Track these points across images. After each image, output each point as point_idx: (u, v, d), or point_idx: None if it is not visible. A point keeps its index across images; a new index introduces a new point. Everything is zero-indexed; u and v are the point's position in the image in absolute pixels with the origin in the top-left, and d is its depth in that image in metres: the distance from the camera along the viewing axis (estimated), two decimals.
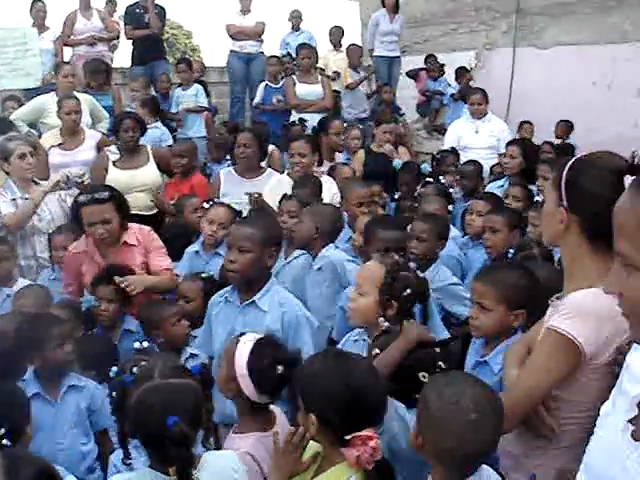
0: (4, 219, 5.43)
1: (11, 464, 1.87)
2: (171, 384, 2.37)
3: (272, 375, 2.79)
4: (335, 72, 10.62)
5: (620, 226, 1.59)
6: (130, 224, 4.68)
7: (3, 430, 2.48)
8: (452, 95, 11.46)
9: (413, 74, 12.13)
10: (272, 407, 2.96)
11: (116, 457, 2.90)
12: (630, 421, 1.68)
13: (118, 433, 2.55)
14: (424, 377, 2.71)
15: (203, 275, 4.75)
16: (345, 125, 7.89)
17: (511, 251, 3.74)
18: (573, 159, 2.44)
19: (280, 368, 2.78)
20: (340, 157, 7.41)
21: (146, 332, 4.21)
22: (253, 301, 3.64)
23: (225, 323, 3.70)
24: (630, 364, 1.78)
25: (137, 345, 2.84)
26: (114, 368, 2.53)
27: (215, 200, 5.49)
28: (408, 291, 3.30)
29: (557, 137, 10.02)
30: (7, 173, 5.79)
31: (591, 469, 1.83)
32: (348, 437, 2.31)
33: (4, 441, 2.45)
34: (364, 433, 2.31)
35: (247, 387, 2.84)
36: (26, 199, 5.53)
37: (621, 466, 1.66)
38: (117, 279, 4.30)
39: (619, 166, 2.16)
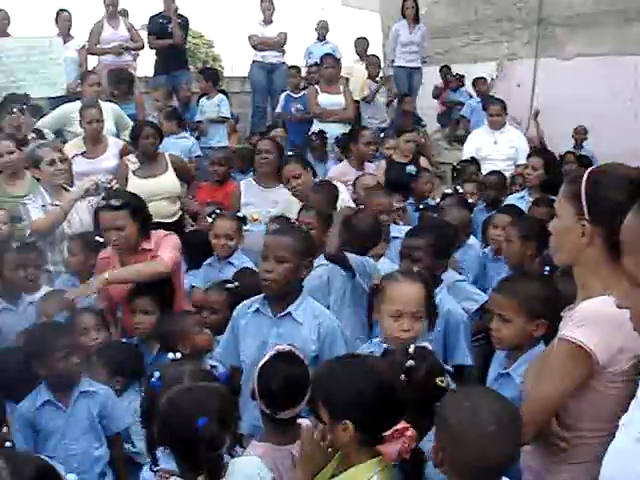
0: (34, 225, 5.49)
1: (12, 463, 1.87)
2: (200, 386, 2.41)
3: (276, 388, 2.83)
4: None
5: (626, 243, 1.60)
6: (153, 232, 4.70)
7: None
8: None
9: (437, 94, 12.17)
10: (301, 421, 2.97)
11: (146, 471, 2.92)
12: None
13: (146, 440, 2.57)
14: (442, 382, 2.71)
15: (229, 285, 4.74)
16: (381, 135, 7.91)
17: (547, 268, 3.70)
18: (587, 172, 2.42)
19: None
20: (370, 167, 7.40)
21: (167, 346, 4.11)
22: (289, 312, 3.61)
23: (256, 334, 3.65)
24: None
25: (171, 356, 2.87)
26: (156, 373, 2.53)
27: (217, 212, 5.50)
28: None
29: (575, 142, 10.04)
30: (37, 179, 5.88)
31: (603, 477, 1.84)
32: (388, 433, 2.30)
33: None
34: (400, 426, 2.31)
35: (257, 397, 2.92)
36: (56, 205, 5.58)
37: (634, 475, 1.67)
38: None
39: (637, 176, 2.16)
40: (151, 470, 2.57)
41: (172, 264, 4.55)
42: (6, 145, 6.24)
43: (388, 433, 2.31)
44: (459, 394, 2.32)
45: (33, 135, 7.61)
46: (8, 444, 2.58)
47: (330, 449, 2.43)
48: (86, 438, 3.62)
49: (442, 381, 2.71)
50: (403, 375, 2.68)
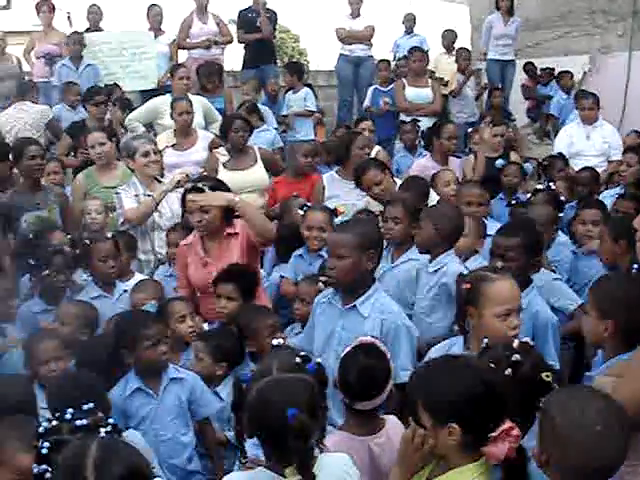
0: (127, 214, 5.61)
1: (103, 457, 1.87)
2: (289, 377, 2.40)
3: (353, 378, 2.81)
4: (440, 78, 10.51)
5: None
6: (237, 220, 4.74)
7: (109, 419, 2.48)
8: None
9: (527, 95, 11.93)
10: (386, 417, 2.95)
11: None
12: None
13: (235, 431, 2.58)
14: (547, 377, 2.64)
15: (322, 279, 4.73)
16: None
17: (635, 266, 3.61)
18: None
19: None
20: (456, 162, 7.29)
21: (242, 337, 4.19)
22: (354, 305, 3.65)
23: (326, 324, 3.73)
24: None
25: (275, 342, 2.88)
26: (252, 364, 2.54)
27: (308, 204, 5.50)
28: None
29: None
30: (132, 170, 6.01)
31: None
32: (495, 433, 2.24)
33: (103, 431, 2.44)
34: (506, 425, 2.25)
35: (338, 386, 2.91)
36: (148, 196, 5.69)
37: None
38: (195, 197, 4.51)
39: None
40: (239, 461, 2.58)
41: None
42: (99, 136, 6.41)
43: (495, 434, 2.24)
44: (564, 393, 2.26)
45: (122, 130, 7.82)
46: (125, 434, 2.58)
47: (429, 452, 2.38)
48: (175, 424, 3.67)
49: (548, 376, 2.64)
50: (509, 370, 2.63)
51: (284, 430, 2.26)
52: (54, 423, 2.36)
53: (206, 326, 4.44)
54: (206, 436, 3.79)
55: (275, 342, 2.84)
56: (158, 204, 5.63)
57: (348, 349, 3.03)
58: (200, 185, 4.61)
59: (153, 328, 3.68)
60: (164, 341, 3.70)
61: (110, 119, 8.30)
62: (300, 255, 5.33)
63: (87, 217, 5.94)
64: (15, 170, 6.33)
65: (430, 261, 4.47)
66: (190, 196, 4.61)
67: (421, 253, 4.59)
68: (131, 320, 3.84)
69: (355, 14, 10.82)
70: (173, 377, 3.72)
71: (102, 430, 2.28)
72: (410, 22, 12.19)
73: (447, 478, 2.33)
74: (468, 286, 3.34)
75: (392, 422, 2.95)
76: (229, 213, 4.67)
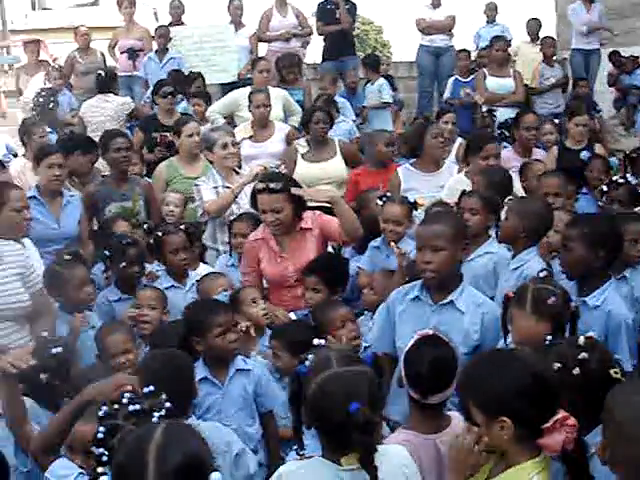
0: (206, 206, 5.68)
1: (166, 444, 1.87)
2: (350, 371, 2.39)
3: (421, 372, 2.78)
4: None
5: None
6: (308, 212, 4.78)
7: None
8: None
9: (611, 82, 11.57)
10: (452, 414, 2.92)
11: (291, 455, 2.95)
12: None
13: (293, 424, 2.58)
14: (616, 373, 2.58)
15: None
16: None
17: None
18: None
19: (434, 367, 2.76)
20: (539, 153, 7.12)
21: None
22: (451, 301, 3.57)
23: (415, 322, 3.54)
24: None
25: (316, 342, 2.88)
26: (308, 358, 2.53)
27: (387, 196, 5.46)
28: None
29: None
30: (211, 162, 6.08)
31: None
32: (549, 424, 2.22)
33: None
34: (560, 415, 2.22)
35: (403, 380, 2.90)
36: (227, 187, 5.74)
37: None
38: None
39: None
40: (297, 454, 2.58)
41: None
42: (195, 126, 6.50)
43: (548, 425, 2.22)
44: (628, 387, 2.19)
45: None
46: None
47: (484, 452, 2.35)
48: (240, 415, 3.69)
49: (617, 372, 2.56)
50: (577, 369, 2.58)
51: (347, 424, 2.25)
52: (115, 407, 2.40)
53: (293, 315, 4.51)
54: (268, 428, 3.79)
55: (316, 342, 2.81)
56: (236, 197, 5.68)
57: (410, 343, 2.99)
58: (272, 185, 4.62)
59: (223, 316, 3.71)
60: (234, 330, 3.74)
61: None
62: (377, 247, 5.28)
63: (165, 209, 6.05)
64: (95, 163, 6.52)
65: (513, 257, 4.40)
66: (264, 196, 4.62)
67: (500, 242, 4.52)
68: (201, 307, 3.88)
69: (436, 4, 10.73)
70: (240, 368, 3.74)
71: (155, 414, 2.29)
72: (492, 11, 12.01)
73: (506, 476, 2.30)
74: (511, 294, 3.36)
75: (458, 419, 2.90)
76: (300, 209, 4.70)
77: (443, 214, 4.00)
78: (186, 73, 9.23)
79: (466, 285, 3.63)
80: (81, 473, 2.64)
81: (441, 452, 2.82)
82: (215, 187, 5.81)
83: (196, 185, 5.86)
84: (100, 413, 2.38)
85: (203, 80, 9.08)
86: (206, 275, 4.87)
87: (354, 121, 9.03)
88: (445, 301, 3.57)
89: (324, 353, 2.48)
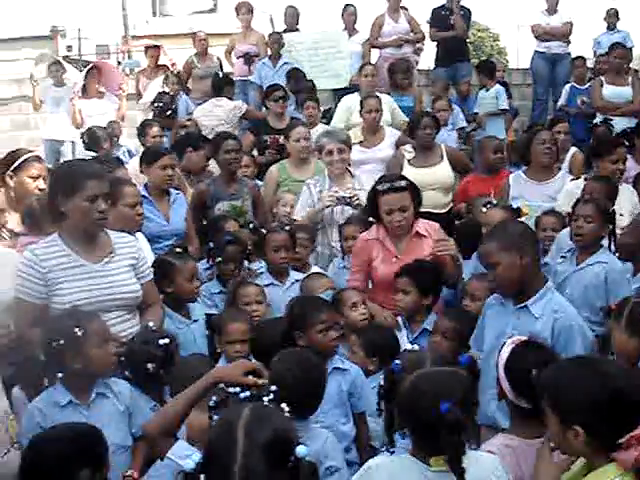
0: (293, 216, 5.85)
1: (253, 421, 1.97)
2: (443, 371, 2.42)
3: (528, 378, 2.74)
4: None
5: None
6: (419, 219, 4.83)
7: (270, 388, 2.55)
8: None
9: None
10: None
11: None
12: None
13: (385, 421, 2.60)
14: None
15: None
16: None
17: None
18: None
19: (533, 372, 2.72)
20: None
21: None
22: (526, 305, 3.61)
23: (496, 324, 3.70)
24: None
25: (409, 347, 2.90)
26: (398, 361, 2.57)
27: (491, 202, 5.39)
28: None
29: None
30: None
31: None
32: (623, 440, 2.19)
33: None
34: (637, 432, 2.18)
35: (506, 388, 2.88)
36: (335, 192, 5.73)
37: None
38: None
39: None
40: (387, 450, 2.60)
41: None
42: (304, 131, 6.61)
43: (623, 440, 2.19)
44: None
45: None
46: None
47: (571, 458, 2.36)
48: (335, 413, 3.71)
49: None
50: None
51: (437, 423, 2.27)
52: (223, 396, 2.49)
53: (400, 320, 4.55)
54: (360, 429, 3.81)
55: (409, 347, 2.83)
56: (317, 216, 5.76)
57: (509, 350, 2.97)
58: (396, 184, 4.70)
59: (326, 313, 3.78)
60: (335, 328, 3.79)
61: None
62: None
63: (281, 208, 6.17)
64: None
65: (634, 274, 4.37)
66: (391, 195, 4.67)
67: (620, 259, 4.50)
68: (305, 303, 3.95)
69: (552, 10, 10.53)
70: (336, 366, 3.78)
71: (265, 399, 2.39)
72: (612, 18, 11.68)
73: (592, 476, 2.29)
74: (613, 307, 3.41)
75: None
76: (418, 210, 4.80)
77: (495, 229, 3.96)
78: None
79: (549, 291, 3.64)
80: None
81: None
82: (320, 191, 5.88)
83: (306, 185, 5.99)
84: (210, 403, 2.48)
85: (314, 86, 9.18)
86: (309, 275, 4.98)
87: (464, 128, 8.96)
88: (521, 305, 3.61)
89: (419, 355, 2.50)
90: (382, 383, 2.58)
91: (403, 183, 4.74)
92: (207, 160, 6.85)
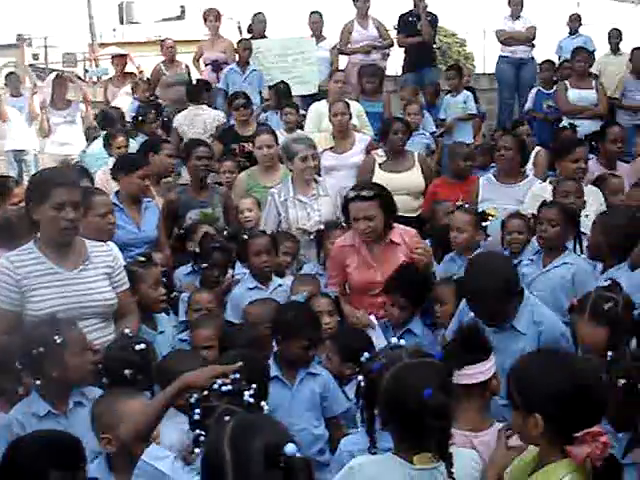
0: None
1: (237, 436, 2.00)
2: (420, 361, 2.50)
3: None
4: None
5: None
6: (396, 224, 4.86)
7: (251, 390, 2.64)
8: None
9: None
10: None
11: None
12: None
13: (366, 423, 2.65)
14: None
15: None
16: None
17: None
18: None
19: None
20: (623, 167, 7.00)
21: None
22: (511, 325, 3.64)
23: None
24: None
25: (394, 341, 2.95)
26: (366, 354, 2.63)
27: (459, 205, 5.46)
28: None
29: None
30: (291, 170, 6.15)
31: None
32: (579, 434, 2.24)
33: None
34: (594, 429, 2.24)
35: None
36: (298, 200, 5.82)
37: None
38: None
39: None
40: (369, 452, 2.64)
41: None
42: (267, 139, 6.62)
43: (579, 434, 2.24)
44: None
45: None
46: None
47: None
48: (308, 416, 3.81)
49: None
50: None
51: (422, 410, 2.32)
52: (204, 393, 2.54)
53: (373, 318, 4.62)
54: (334, 432, 3.86)
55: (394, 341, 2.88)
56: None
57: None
58: (364, 193, 4.71)
59: (316, 332, 3.92)
60: (317, 346, 3.94)
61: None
62: (452, 259, 5.31)
63: (241, 216, 6.20)
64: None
65: (602, 272, 4.41)
66: (357, 204, 4.70)
67: (590, 259, 4.57)
68: (299, 315, 4.00)
69: (515, 15, 10.65)
70: (310, 372, 3.86)
71: (246, 393, 2.48)
72: (575, 23, 11.81)
73: (540, 473, 2.35)
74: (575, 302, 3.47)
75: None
76: (390, 218, 4.79)
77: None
78: (267, 85, 9.40)
79: (526, 304, 3.68)
80: (176, 457, 2.76)
81: None
82: (285, 200, 5.90)
83: (271, 195, 5.99)
84: (192, 400, 2.52)
85: (290, 90, 9.17)
86: (300, 276, 5.11)
87: (433, 132, 9.04)
88: (506, 325, 3.64)
89: (395, 351, 2.55)
90: (362, 384, 2.63)
91: (371, 192, 4.72)
92: (170, 157, 6.67)
